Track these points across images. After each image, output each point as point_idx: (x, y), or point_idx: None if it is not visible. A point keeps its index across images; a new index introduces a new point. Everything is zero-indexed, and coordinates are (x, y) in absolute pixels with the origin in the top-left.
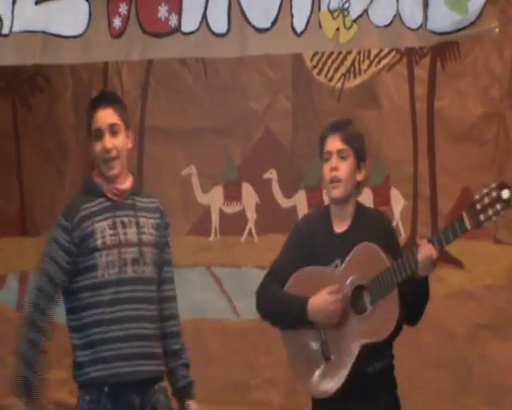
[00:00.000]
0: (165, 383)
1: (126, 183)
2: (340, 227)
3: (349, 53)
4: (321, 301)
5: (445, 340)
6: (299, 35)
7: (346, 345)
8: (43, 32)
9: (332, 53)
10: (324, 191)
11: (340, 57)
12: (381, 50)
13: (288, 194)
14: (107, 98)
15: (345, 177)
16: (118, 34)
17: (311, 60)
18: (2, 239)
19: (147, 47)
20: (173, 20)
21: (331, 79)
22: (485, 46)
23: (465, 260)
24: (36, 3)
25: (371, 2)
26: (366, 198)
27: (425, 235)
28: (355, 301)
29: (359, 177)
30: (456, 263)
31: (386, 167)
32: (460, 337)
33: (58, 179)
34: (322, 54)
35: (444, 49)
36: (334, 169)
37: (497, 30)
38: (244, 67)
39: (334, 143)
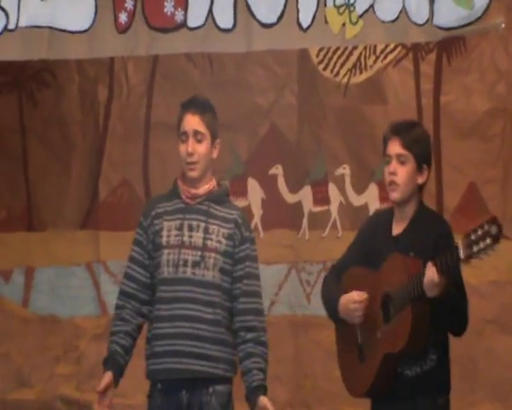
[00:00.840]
0: (224, 388)
1: (202, 188)
2: (397, 228)
3: (355, 48)
4: (346, 299)
5: (450, 336)
6: (304, 30)
7: (375, 351)
8: (50, 28)
9: (338, 48)
10: (330, 186)
11: (346, 53)
12: (386, 46)
13: (294, 189)
14: (198, 105)
15: (402, 182)
16: (124, 29)
17: (317, 55)
18: (9, 234)
19: (153, 42)
20: (179, 16)
21: (337, 75)
22: (492, 41)
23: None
24: None
25: None
26: (372, 193)
27: None
28: (385, 309)
29: (420, 179)
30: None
31: None
32: (466, 333)
33: (64, 174)
34: (328, 49)
35: (450, 44)
36: (393, 174)
37: (503, 25)
38: (250, 63)
39: (394, 148)
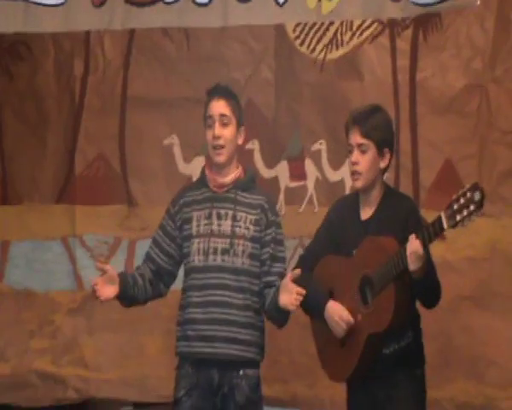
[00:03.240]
0: (254, 373)
1: (229, 177)
2: (365, 213)
3: (331, 24)
4: (333, 310)
5: (426, 311)
6: (281, 5)
7: (356, 334)
8: (25, 0)
9: (314, 24)
10: (307, 161)
11: (323, 28)
12: (363, 22)
13: (270, 164)
14: (222, 90)
15: (364, 170)
16: (99, 3)
17: (294, 31)
18: None
19: (129, 16)
20: None
21: (313, 50)
22: (467, 18)
23: (447, 232)
24: None
25: None
26: (348, 170)
27: None
28: (363, 291)
29: (382, 164)
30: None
31: None
32: (441, 309)
33: (40, 148)
34: (305, 25)
35: (426, 20)
36: (355, 163)
37: (478, 2)
38: (226, 38)
39: (354, 137)
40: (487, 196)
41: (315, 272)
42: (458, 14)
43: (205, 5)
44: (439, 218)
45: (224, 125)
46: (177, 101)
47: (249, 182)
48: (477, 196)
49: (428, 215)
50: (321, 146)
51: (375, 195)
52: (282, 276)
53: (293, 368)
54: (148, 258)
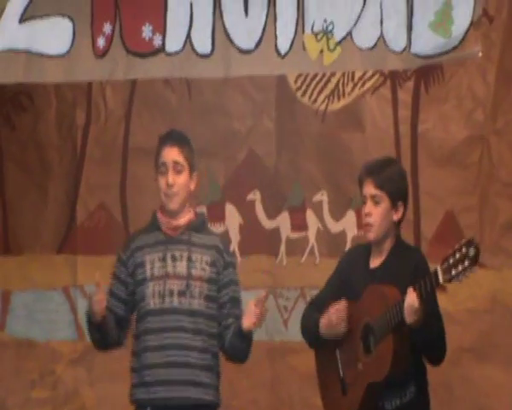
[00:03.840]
0: None
1: (182, 219)
2: (374, 262)
3: (333, 75)
4: (328, 315)
5: (428, 366)
6: (283, 56)
7: (357, 382)
8: (27, 51)
9: (316, 75)
10: (308, 212)
11: (324, 79)
12: (364, 73)
13: (272, 215)
14: (176, 137)
15: (376, 222)
16: (102, 54)
17: (295, 81)
18: None
19: (131, 67)
20: (157, 40)
21: (315, 101)
22: (469, 70)
23: (448, 284)
24: (20, 22)
25: (355, 24)
26: (350, 220)
27: None
28: (365, 340)
29: (395, 217)
30: (440, 287)
31: None
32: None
33: (41, 198)
34: (306, 76)
35: (427, 72)
36: (367, 215)
37: (480, 54)
38: (228, 88)
39: (368, 189)
40: (488, 248)
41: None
42: (460, 66)
43: (207, 56)
44: (436, 271)
45: (178, 172)
46: None
47: (201, 223)
48: (472, 251)
49: (431, 267)
50: (322, 197)
51: (387, 246)
52: (240, 319)
53: None
54: (107, 309)
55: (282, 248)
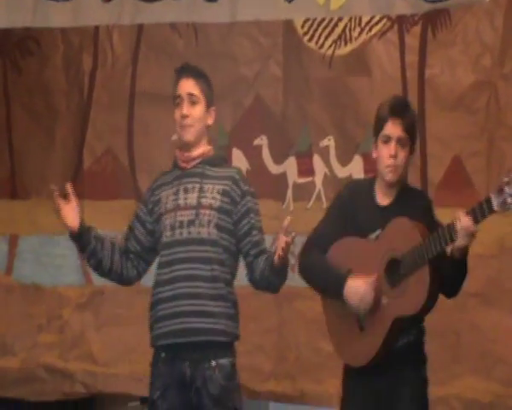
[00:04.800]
0: (227, 361)
1: (196, 152)
2: (382, 200)
3: (340, 20)
4: (356, 287)
5: (434, 308)
6: (289, 1)
7: (380, 317)
8: None
9: (323, 20)
10: (315, 157)
11: (331, 24)
12: (372, 18)
13: (278, 160)
14: (191, 69)
15: (401, 165)
16: None
17: (302, 26)
18: None
19: (138, 11)
20: None
21: (322, 46)
22: (476, 14)
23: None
24: None
25: None
26: (357, 165)
27: None
28: (390, 274)
29: (411, 161)
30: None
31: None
32: (449, 306)
33: (48, 142)
34: (314, 20)
35: (435, 16)
36: (394, 157)
37: None
38: (235, 33)
39: (396, 130)
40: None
41: (330, 254)
42: (467, 11)
43: (214, 0)
44: (489, 199)
45: (193, 103)
46: None
47: (218, 159)
48: None
49: (438, 212)
50: (329, 142)
51: (396, 186)
52: (263, 245)
53: (301, 364)
54: (126, 251)
55: (289, 193)
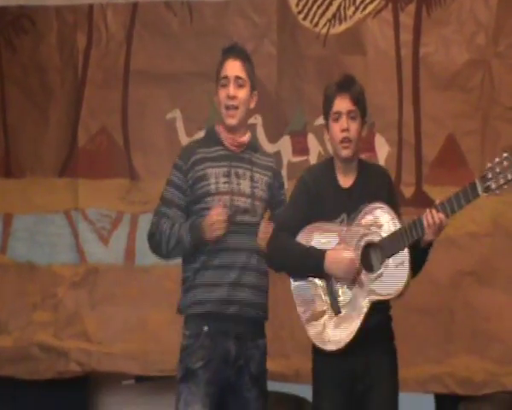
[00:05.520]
0: (263, 342)
1: (245, 136)
2: (345, 182)
3: None
4: (339, 255)
5: (428, 287)
6: None
7: (356, 301)
8: None
9: None
10: (309, 136)
11: (326, 3)
12: None
13: (273, 139)
14: (239, 51)
15: (354, 138)
16: None
17: (297, 5)
18: None
19: None
20: None
21: (316, 25)
22: None
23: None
24: None
25: None
26: None
27: (409, 182)
28: (364, 259)
29: (363, 133)
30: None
31: (371, 114)
32: (443, 284)
33: (43, 121)
34: None
35: None
36: (346, 130)
37: None
38: (229, 12)
39: (345, 104)
40: None
41: (301, 238)
42: None
43: None
44: (474, 185)
45: (240, 86)
46: (179, 75)
47: (256, 143)
48: None
49: (431, 190)
50: (323, 121)
51: (354, 164)
52: None
53: (295, 343)
54: (166, 216)
55: (284, 172)
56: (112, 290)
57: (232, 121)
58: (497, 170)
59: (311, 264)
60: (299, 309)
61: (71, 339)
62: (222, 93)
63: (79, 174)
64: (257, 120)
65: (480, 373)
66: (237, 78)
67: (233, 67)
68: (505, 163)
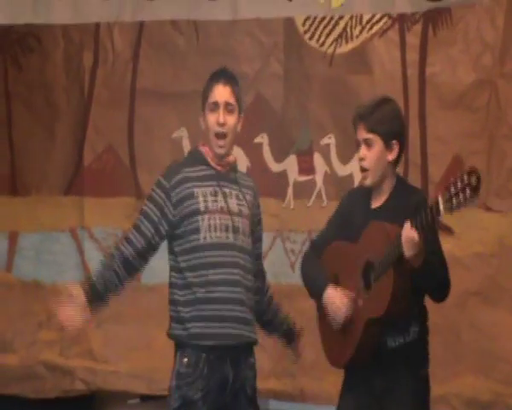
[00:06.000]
0: (254, 361)
1: (231, 156)
2: (376, 202)
3: (341, 18)
4: (332, 298)
5: (434, 307)
6: None
7: (356, 319)
8: None
9: (324, 18)
10: (315, 155)
11: (332, 22)
12: (373, 16)
13: (279, 158)
14: (229, 76)
15: (370, 166)
16: None
17: (303, 24)
18: None
19: (138, 8)
20: None
21: (323, 44)
22: (477, 13)
23: (455, 228)
24: None
25: None
26: (357, 164)
27: None
28: (366, 276)
29: (390, 157)
30: (447, 230)
31: None
32: (449, 304)
33: (49, 139)
34: (314, 18)
35: (436, 15)
36: (361, 159)
37: None
38: (236, 31)
39: (360, 133)
40: (495, 192)
41: (323, 257)
42: (468, 10)
43: None
44: (437, 202)
45: (229, 112)
46: (186, 93)
47: (237, 165)
48: (473, 180)
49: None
50: (330, 140)
51: (387, 186)
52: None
53: (301, 362)
54: (138, 232)
55: (290, 191)
56: (117, 309)
57: (221, 151)
58: (459, 186)
59: (315, 294)
60: (320, 323)
61: (76, 358)
62: (211, 118)
63: (85, 193)
64: (263, 139)
65: (487, 394)
66: (227, 104)
67: (223, 93)
68: (465, 179)
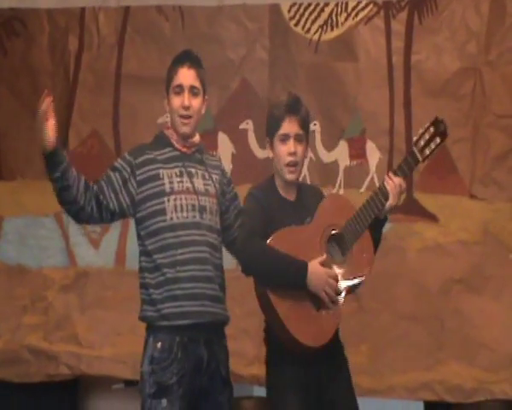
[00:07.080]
0: (225, 341)
1: (196, 137)
2: (289, 196)
3: (326, 5)
4: (320, 273)
5: (418, 294)
6: None
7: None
8: None
9: (309, 4)
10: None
11: (318, 9)
12: (358, 3)
13: (264, 145)
14: (193, 59)
15: (301, 161)
16: None
17: (289, 11)
18: None
19: None
20: None
21: (308, 31)
22: (462, 1)
23: (440, 215)
24: None
25: None
26: (342, 150)
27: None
28: (332, 250)
29: (307, 153)
30: (431, 217)
31: (362, 120)
32: (433, 292)
33: (33, 124)
34: (300, 5)
35: (421, 3)
36: (294, 154)
37: None
38: (221, 17)
39: (293, 127)
40: (480, 180)
41: (272, 242)
42: None
43: None
44: (413, 152)
45: (194, 94)
46: None
47: (204, 146)
48: (441, 127)
49: (422, 197)
50: (315, 127)
51: (295, 184)
52: None
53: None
54: (99, 187)
55: None
56: (102, 294)
57: (186, 129)
58: (427, 137)
59: (292, 276)
60: (281, 307)
61: (61, 342)
62: (176, 101)
63: None
64: (248, 125)
65: (470, 381)
66: (192, 87)
67: (187, 76)
68: (432, 130)
